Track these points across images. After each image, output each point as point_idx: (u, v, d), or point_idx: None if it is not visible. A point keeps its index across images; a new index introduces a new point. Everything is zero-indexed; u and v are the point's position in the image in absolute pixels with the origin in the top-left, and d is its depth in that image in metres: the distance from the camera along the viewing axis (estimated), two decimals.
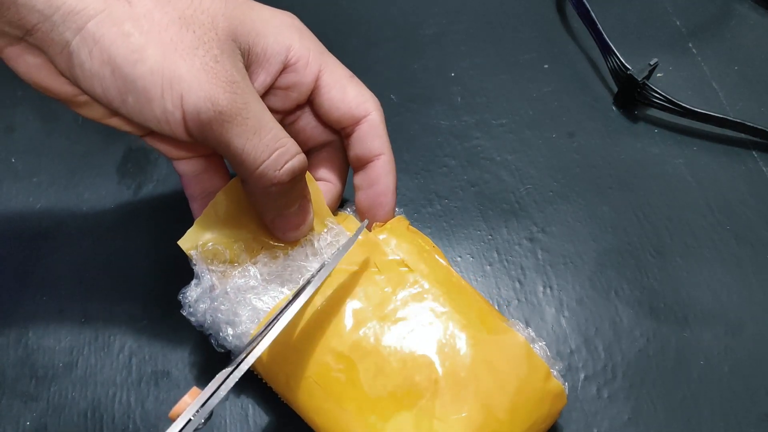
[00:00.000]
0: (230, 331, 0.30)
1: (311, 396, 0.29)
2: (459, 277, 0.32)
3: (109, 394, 0.35)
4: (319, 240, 0.33)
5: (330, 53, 0.32)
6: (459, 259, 0.39)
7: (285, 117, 0.33)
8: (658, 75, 0.46)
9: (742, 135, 0.43)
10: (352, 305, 0.30)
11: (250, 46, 0.28)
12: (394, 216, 0.34)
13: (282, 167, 0.28)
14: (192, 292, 0.31)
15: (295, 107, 0.33)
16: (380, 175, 0.33)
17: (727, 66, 0.47)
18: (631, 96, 0.44)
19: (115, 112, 0.28)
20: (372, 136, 0.32)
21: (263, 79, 0.30)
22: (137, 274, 0.38)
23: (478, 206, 0.41)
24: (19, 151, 0.43)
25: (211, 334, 0.31)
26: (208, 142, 0.27)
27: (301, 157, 0.29)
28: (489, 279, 0.39)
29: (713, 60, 0.47)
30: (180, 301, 0.31)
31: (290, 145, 0.28)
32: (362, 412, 0.28)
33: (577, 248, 0.39)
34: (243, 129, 0.26)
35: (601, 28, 0.45)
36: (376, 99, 0.33)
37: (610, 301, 0.38)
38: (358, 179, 0.34)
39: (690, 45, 0.48)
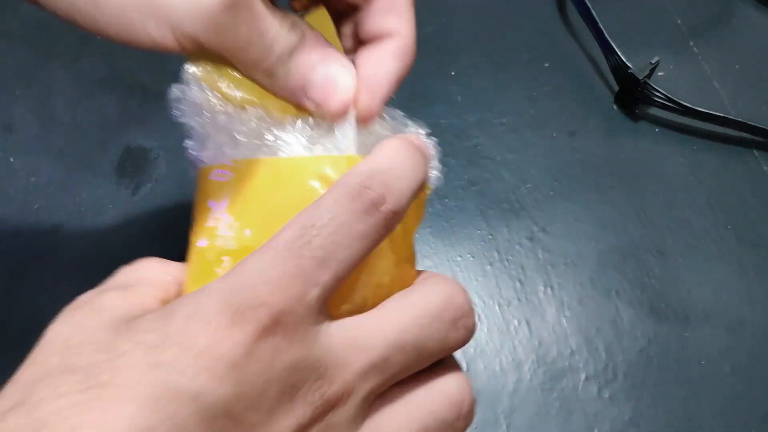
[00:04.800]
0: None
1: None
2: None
3: None
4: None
5: None
6: (459, 258, 0.39)
7: None
8: (659, 74, 0.46)
9: (743, 134, 0.43)
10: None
11: None
12: (377, 113, 0.26)
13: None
14: (183, 89, 0.25)
15: None
16: (380, 58, 0.24)
17: (728, 65, 0.47)
18: (632, 95, 0.43)
19: None
20: (385, 11, 0.24)
21: None
22: None
23: (478, 205, 0.41)
24: (17, 151, 0.43)
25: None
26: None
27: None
28: (489, 279, 0.38)
29: (714, 59, 0.47)
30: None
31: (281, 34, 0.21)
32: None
33: (578, 248, 0.39)
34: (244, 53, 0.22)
35: (601, 26, 0.44)
36: None
37: (611, 300, 0.38)
38: (358, 58, 0.25)
39: (691, 44, 0.48)
